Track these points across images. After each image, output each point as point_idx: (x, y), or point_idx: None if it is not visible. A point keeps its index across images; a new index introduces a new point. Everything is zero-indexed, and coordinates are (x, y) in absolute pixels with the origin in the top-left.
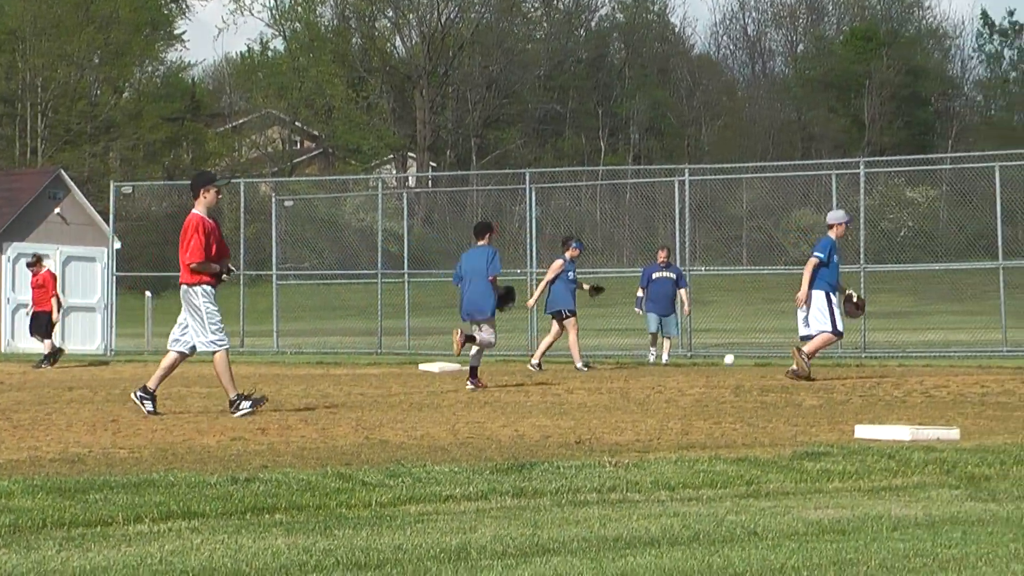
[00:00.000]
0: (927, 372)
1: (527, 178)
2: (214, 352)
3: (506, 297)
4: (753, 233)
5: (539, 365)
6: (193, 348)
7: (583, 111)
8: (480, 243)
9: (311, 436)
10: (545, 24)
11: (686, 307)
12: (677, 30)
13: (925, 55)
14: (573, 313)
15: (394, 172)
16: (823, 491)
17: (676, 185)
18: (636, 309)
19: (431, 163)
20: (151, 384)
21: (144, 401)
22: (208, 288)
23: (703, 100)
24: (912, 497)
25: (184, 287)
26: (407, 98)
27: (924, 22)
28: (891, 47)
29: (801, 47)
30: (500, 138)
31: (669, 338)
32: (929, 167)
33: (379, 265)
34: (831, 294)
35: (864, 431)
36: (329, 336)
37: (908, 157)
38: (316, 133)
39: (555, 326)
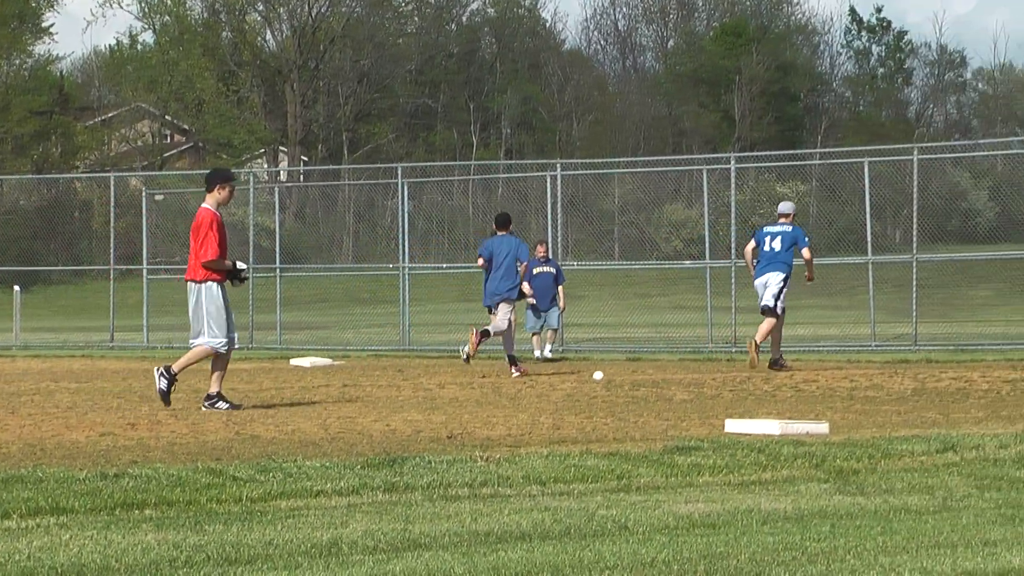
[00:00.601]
0: (797, 366)
1: (399, 173)
2: (198, 346)
3: (522, 292)
4: (625, 228)
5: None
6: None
7: (455, 106)
8: (502, 233)
9: (181, 432)
10: (416, 18)
11: (561, 303)
12: (548, 25)
13: (794, 51)
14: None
15: (265, 166)
16: (693, 485)
17: (548, 180)
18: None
19: (303, 157)
20: (213, 388)
21: (216, 404)
22: (215, 286)
23: (574, 95)
24: (781, 491)
25: (191, 283)
26: (278, 92)
27: (793, 18)
28: (760, 43)
29: (672, 43)
30: (372, 132)
31: (553, 330)
32: (799, 163)
33: (250, 259)
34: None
35: (734, 425)
36: None
37: (778, 152)
38: (186, 127)
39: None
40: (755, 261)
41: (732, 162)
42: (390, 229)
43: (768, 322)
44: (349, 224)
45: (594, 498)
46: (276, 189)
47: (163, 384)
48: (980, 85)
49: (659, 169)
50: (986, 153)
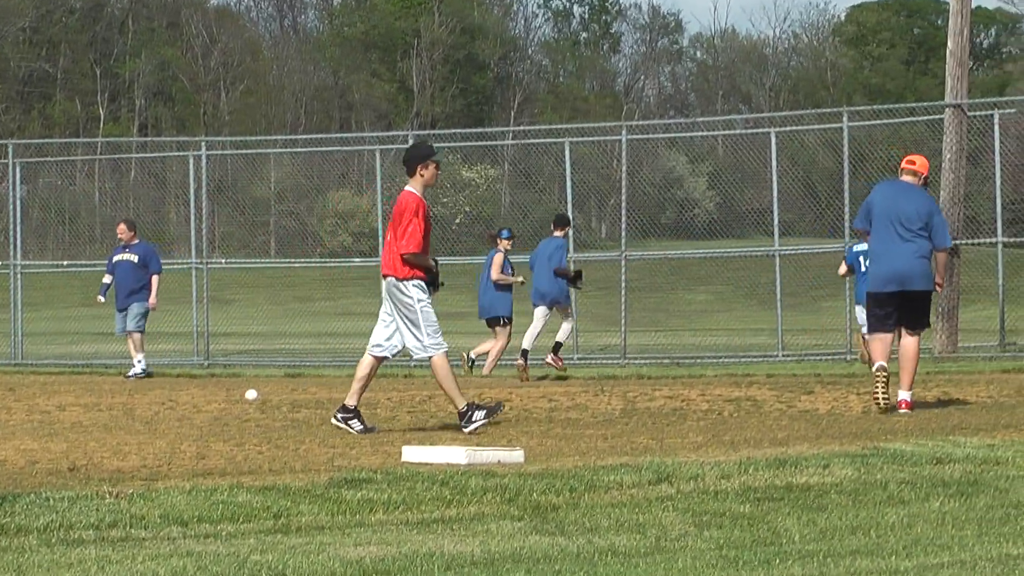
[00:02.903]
0: (487, 383)
1: (10, 151)
2: (431, 357)
3: (577, 277)
4: (283, 219)
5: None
6: (397, 351)
7: (77, 71)
8: (557, 234)
9: None
10: None
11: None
12: None
13: (482, 11)
14: (510, 320)
15: None
16: (365, 524)
17: (191, 161)
18: (101, 297)
19: None
20: (350, 401)
21: (349, 422)
22: (422, 283)
23: (222, 60)
24: (468, 530)
25: (392, 280)
26: None
27: None
28: (443, 2)
29: (338, 0)
30: None
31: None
32: (488, 143)
33: None
34: None
35: (413, 453)
36: None
37: (464, 131)
38: None
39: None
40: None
41: (410, 141)
42: None
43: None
44: None
45: (246, 541)
46: None
47: (481, 417)
48: (698, 53)
49: (324, 149)
50: (705, 133)
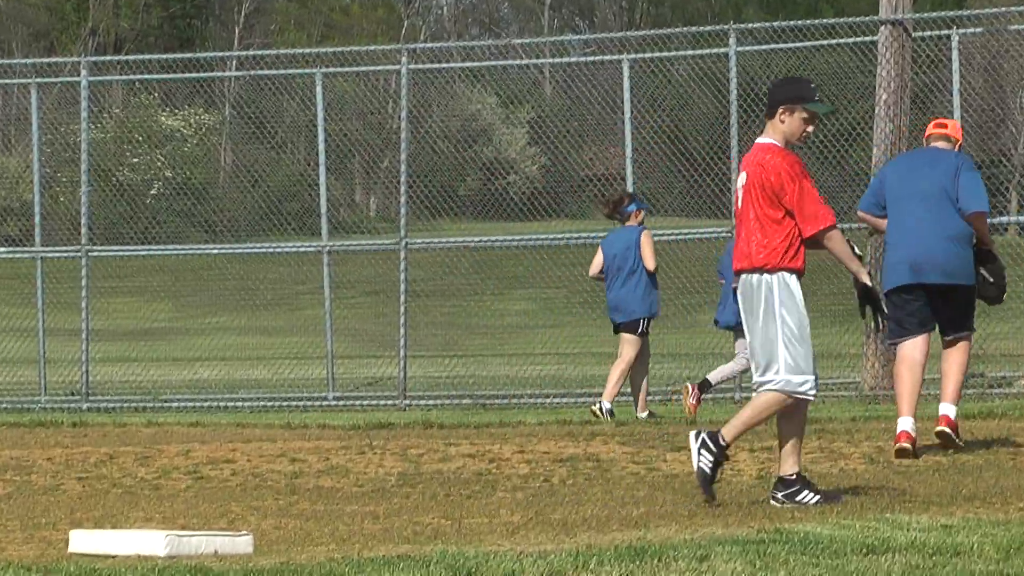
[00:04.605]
0: (198, 436)
1: None
2: (767, 391)
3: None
4: None
5: (611, 411)
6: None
7: None
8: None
9: None
10: None
11: None
12: None
13: None
14: (645, 327)
15: None
16: None
17: None
18: None
19: None
20: (788, 469)
21: (797, 497)
22: (798, 279)
23: None
24: None
25: (754, 275)
26: None
27: None
28: None
29: None
30: None
31: None
32: (202, 75)
33: None
34: None
35: (86, 541)
36: None
37: (165, 57)
38: None
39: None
40: None
41: (84, 72)
42: None
43: None
44: None
45: None
46: None
47: (707, 462)
48: None
49: None
50: (525, 61)
